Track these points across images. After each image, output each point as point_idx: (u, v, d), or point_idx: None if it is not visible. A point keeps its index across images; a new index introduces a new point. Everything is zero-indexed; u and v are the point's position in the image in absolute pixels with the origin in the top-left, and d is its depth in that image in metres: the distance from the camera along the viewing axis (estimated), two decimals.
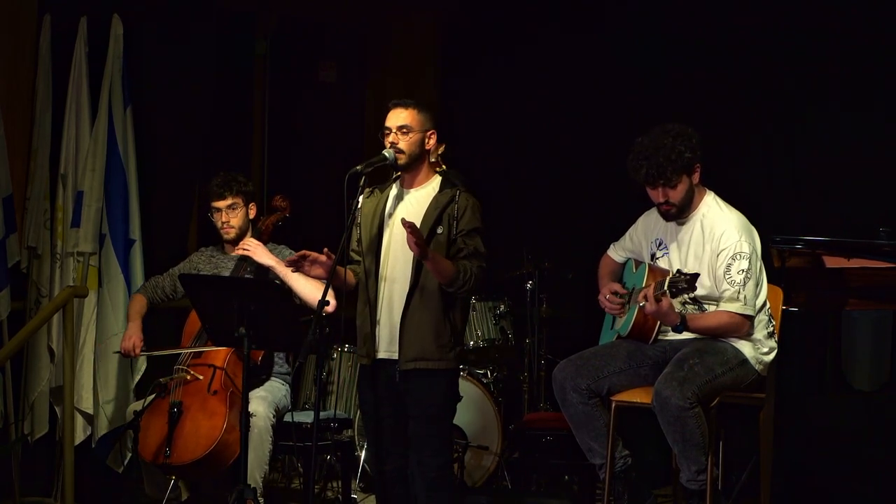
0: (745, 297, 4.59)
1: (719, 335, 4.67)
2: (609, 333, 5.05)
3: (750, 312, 4.62)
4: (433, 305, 4.63)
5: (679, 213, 4.77)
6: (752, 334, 4.72)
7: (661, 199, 4.75)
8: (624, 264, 5.09)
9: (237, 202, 5.54)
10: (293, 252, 5.52)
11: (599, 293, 5.00)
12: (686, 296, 4.42)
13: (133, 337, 5.49)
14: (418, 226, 4.64)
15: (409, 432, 4.70)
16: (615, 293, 4.93)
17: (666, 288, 4.44)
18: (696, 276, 4.44)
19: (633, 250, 5.03)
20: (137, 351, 5.48)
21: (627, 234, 5.06)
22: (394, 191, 4.80)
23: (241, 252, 5.45)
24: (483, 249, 4.66)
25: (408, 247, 4.57)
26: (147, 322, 5.93)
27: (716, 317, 4.62)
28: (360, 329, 4.76)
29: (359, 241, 4.79)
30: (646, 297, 4.49)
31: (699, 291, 4.56)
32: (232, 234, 5.56)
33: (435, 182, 4.75)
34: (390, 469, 4.75)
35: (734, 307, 4.61)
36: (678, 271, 4.49)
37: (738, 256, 4.63)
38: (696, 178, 4.74)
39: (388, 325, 4.69)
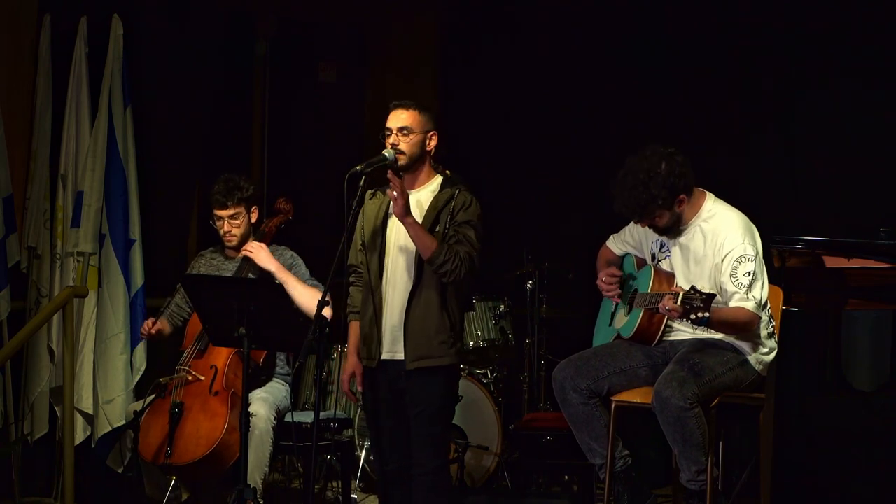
0: (753, 297, 4.59)
1: (735, 330, 4.66)
2: (605, 330, 5.04)
3: (759, 313, 4.63)
4: (433, 304, 4.62)
5: (668, 231, 4.78)
6: (757, 335, 4.72)
7: (646, 226, 4.78)
8: (622, 257, 5.09)
9: (239, 211, 5.52)
10: (295, 255, 5.55)
11: (597, 278, 5.01)
12: (700, 314, 4.40)
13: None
14: None
15: (409, 432, 4.71)
16: (612, 275, 4.93)
17: (679, 303, 4.41)
18: (712, 296, 4.41)
19: (633, 246, 5.02)
20: (152, 329, 5.44)
21: (627, 228, 5.04)
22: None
23: (244, 254, 5.46)
24: (474, 240, 4.64)
25: (409, 246, 4.59)
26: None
27: (734, 312, 4.61)
28: (363, 331, 4.76)
29: (362, 246, 4.79)
30: (668, 310, 4.47)
31: None
32: (234, 241, 5.56)
33: (436, 182, 4.75)
34: (392, 470, 4.75)
35: (748, 307, 4.60)
36: (692, 288, 4.44)
37: (743, 259, 4.61)
38: (680, 206, 4.72)
39: (390, 327, 4.69)
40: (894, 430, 5.12)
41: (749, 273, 4.59)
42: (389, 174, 4.59)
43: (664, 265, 4.84)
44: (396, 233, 4.71)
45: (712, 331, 4.72)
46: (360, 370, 4.78)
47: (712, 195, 4.80)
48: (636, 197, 4.65)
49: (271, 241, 5.59)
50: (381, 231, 4.73)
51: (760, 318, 4.65)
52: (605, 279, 4.96)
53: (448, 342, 4.65)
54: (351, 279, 4.83)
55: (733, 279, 4.60)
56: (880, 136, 6.20)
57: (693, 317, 4.39)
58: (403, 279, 4.67)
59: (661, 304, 4.49)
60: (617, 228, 5.09)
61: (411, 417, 4.67)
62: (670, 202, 4.69)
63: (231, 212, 5.51)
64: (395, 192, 4.53)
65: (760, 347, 4.74)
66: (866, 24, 6.25)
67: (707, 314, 4.38)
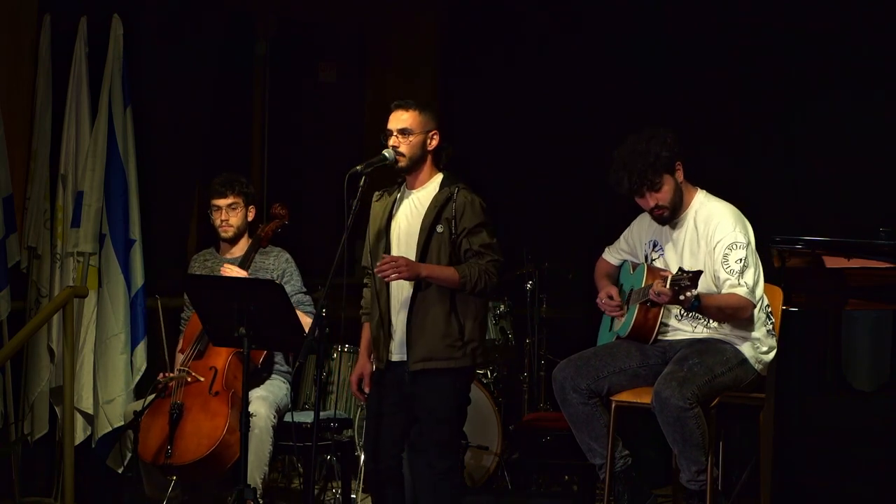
0: (745, 282, 4.60)
1: (727, 316, 4.67)
2: (607, 335, 5.05)
3: (753, 299, 4.63)
4: (439, 304, 4.61)
5: (672, 214, 4.78)
6: (751, 331, 4.72)
7: (651, 205, 4.76)
8: (620, 267, 5.09)
9: (237, 202, 5.56)
10: (290, 259, 5.54)
11: (598, 296, 5.02)
12: (689, 293, 4.42)
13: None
14: (419, 226, 4.65)
15: (413, 433, 4.70)
16: (610, 297, 4.94)
17: (668, 286, 4.44)
18: (699, 273, 4.44)
19: (629, 252, 5.03)
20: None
21: (622, 237, 5.07)
22: (400, 193, 4.80)
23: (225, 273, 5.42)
24: (490, 240, 4.64)
25: (412, 247, 4.60)
26: (149, 324, 5.96)
27: (726, 297, 4.63)
28: (373, 334, 4.75)
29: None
30: (658, 293, 4.49)
31: (699, 289, 4.56)
32: (230, 232, 5.57)
33: (436, 181, 4.74)
34: (384, 468, 4.74)
35: (739, 292, 4.61)
36: (680, 269, 4.49)
37: (734, 246, 4.64)
38: (679, 175, 4.75)
39: (398, 328, 4.68)
40: (894, 430, 5.12)
41: (741, 260, 4.62)
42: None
43: (658, 263, 4.85)
44: (399, 234, 4.71)
45: (705, 320, 4.73)
46: (369, 371, 4.77)
47: (704, 191, 4.82)
48: (640, 158, 4.67)
49: (268, 243, 5.60)
50: (384, 233, 4.72)
51: (754, 304, 4.65)
52: (606, 300, 4.96)
53: (455, 345, 4.62)
54: (365, 280, 4.82)
55: (725, 266, 4.63)
56: (880, 136, 6.20)
57: (682, 297, 4.41)
58: (408, 280, 4.66)
59: (651, 291, 4.51)
60: (617, 226, 5.09)
61: (420, 419, 4.67)
62: (672, 163, 4.70)
63: (230, 201, 5.54)
64: (390, 272, 4.53)
65: (760, 346, 4.75)
66: (866, 25, 6.25)
67: (696, 291, 4.41)
